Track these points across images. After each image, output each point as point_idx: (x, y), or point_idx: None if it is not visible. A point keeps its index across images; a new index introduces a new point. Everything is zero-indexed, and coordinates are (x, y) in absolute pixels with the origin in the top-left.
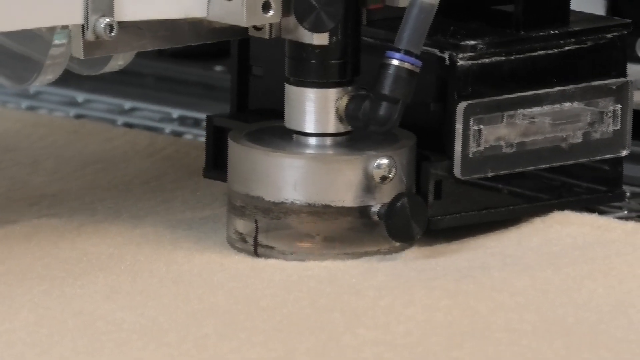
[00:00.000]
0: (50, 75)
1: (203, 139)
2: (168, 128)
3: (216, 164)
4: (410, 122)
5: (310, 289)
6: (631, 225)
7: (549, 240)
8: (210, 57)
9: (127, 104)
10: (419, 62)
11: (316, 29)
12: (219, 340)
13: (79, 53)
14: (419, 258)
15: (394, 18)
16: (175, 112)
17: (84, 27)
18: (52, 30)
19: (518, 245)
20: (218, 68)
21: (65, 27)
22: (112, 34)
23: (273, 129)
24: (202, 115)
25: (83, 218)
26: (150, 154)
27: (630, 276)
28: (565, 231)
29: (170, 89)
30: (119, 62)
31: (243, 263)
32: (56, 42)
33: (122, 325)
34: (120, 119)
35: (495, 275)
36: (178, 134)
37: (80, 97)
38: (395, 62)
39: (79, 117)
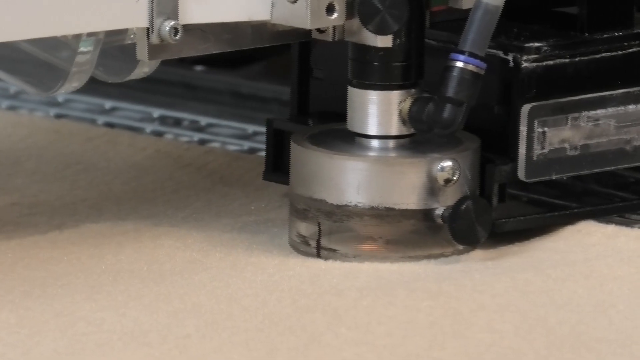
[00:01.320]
0: (75, 83)
1: (184, 139)
2: (149, 128)
3: (276, 167)
4: (474, 125)
5: (292, 289)
6: (611, 228)
7: (530, 244)
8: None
9: (108, 104)
10: (483, 64)
11: (381, 31)
12: (200, 340)
13: (144, 56)
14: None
15: (457, 20)
16: (156, 112)
17: (148, 30)
18: (78, 37)
19: (498, 250)
20: (198, 68)
21: (91, 34)
22: (177, 37)
23: (335, 131)
24: (183, 115)
25: (64, 218)
26: (131, 153)
27: (610, 278)
28: (545, 235)
29: (150, 89)
30: (144, 69)
31: (224, 262)
32: (82, 49)
33: (102, 326)
34: (101, 119)
35: (476, 277)
36: (159, 134)
37: (61, 96)
38: (459, 64)
39: (59, 117)
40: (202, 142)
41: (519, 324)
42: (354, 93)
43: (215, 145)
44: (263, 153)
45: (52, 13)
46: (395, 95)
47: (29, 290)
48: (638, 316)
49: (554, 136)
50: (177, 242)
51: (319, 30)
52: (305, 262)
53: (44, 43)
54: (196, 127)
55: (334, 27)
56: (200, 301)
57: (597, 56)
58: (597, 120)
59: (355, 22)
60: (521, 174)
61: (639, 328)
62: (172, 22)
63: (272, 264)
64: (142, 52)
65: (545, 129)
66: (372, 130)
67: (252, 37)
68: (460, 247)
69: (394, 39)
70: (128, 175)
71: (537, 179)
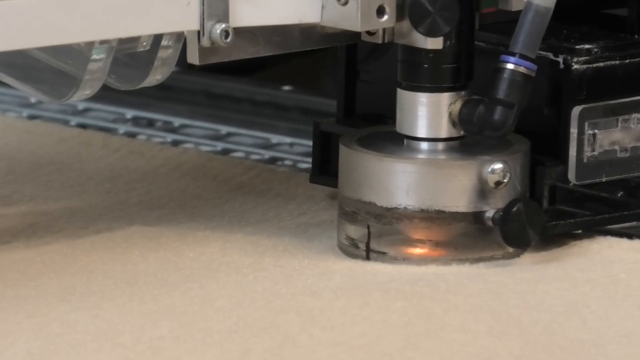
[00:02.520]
0: (88, 91)
1: (157, 140)
2: (122, 129)
3: (323, 169)
4: (524, 127)
5: (266, 290)
6: (584, 237)
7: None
8: None
9: (81, 105)
10: (534, 66)
11: (431, 33)
12: (174, 341)
13: (195, 59)
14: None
15: (506, 22)
16: (129, 113)
17: (199, 33)
18: (90, 45)
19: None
20: None
21: (104, 42)
22: (228, 40)
23: (384, 133)
24: (156, 116)
25: (37, 218)
26: (105, 154)
27: (583, 280)
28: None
29: (123, 90)
30: (156, 76)
31: (198, 262)
32: (94, 57)
33: (76, 327)
34: (74, 120)
35: (450, 279)
36: (132, 135)
37: (34, 97)
38: (510, 66)
39: (32, 117)
40: (175, 143)
41: (492, 324)
42: (403, 95)
43: (189, 146)
44: (236, 154)
45: (104, 16)
46: (445, 97)
47: (1, 291)
48: (611, 316)
49: (604, 138)
50: (151, 242)
51: (369, 33)
52: (279, 261)
53: (56, 50)
54: (169, 128)
55: (384, 30)
56: (174, 302)
57: None
58: None
59: (405, 24)
60: (571, 176)
61: (611, 328)
62: (223, 25)
63: (246, 264)
64: (192, 55)
65: (596, 131)
66: (422, 132)
67: (301, 39)
68: (511, 249)
69: (444, 41)
70: (101, 176)
71: (587, 182)
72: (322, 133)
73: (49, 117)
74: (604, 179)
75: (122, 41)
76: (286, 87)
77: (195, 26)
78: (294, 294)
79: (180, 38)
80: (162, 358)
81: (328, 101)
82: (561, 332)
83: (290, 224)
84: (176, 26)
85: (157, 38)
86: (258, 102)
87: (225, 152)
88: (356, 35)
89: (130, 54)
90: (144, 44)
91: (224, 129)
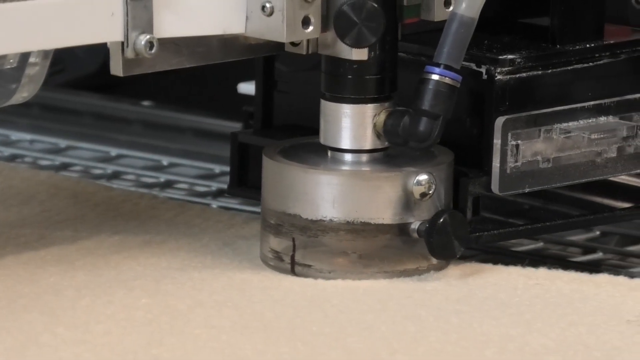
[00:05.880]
0: None
1: None
2: None
3: (240, 181)
4: (447, 138)
5: (8, 289)
6: None
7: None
8: None
9: None
10: (459, 77)
11: (358, 44)
12: None
13: (118, 71)
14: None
15: (427, 32)
16: None
17: (123, 45)
18: None
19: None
20: None
21: None
22: (152, 51)
23: (307, 145)
24: None
25: None
26: None
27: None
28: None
29: None
30: (23, 94)
31: None
32: None
33: None
34: None
35: (195, 275)
36: None
37: None
38: (435, 77)
39: None
40: None
41: (236, 320)
42: (327, 107)
43: None
44: None
45: (26, 28)
46: (370, 108)
47: None
48: (351, 310)
49: (527, 149)
50: None
51: (293, 44)
52: (21, 259)
53: None
54: None
55: (308, 41)
56: None
57: (569, 68)
58: (568, 132)
59: (330, 35)
60: (495, 187)
61: (352, 321)
62: (148, 36)
63: None
64: (116, 67)
65: (519, 141)
66: (346, 144)
67: (225, 50)
68: (435, 261)
69: (369, 52)
70: None
71: (510, 192)
72: (240, 144)
73: None
74: (526, 190)
75: None
76: None
77: (119, 37)
78: (37, 293)
79: (47, 55)
80: None
81: (71, 97)
82: (303, 326)
83: (32, 220)
84: (100, 37)
85: (24, 55)
86: None
87: None
88: (280, 46)
89: None
90: (11, 61)
91: None
